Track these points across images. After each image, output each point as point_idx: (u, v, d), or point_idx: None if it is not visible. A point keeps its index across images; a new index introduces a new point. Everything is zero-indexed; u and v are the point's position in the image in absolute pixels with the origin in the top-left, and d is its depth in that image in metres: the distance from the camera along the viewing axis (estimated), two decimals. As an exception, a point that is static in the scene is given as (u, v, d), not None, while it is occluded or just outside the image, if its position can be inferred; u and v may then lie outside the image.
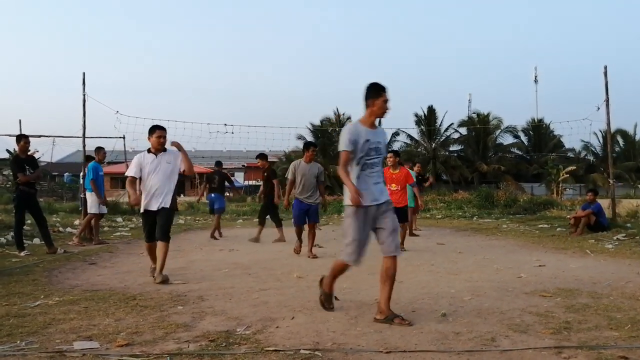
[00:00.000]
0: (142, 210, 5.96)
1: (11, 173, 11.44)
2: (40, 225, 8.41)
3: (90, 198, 9.77)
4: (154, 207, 5.89)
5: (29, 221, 9.55)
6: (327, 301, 4.40)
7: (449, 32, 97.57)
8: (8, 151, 28.74)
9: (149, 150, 6.03)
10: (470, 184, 36.92)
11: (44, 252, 8.24)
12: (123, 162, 20.18)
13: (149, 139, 6.04)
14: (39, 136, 15.29)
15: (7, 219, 11.58)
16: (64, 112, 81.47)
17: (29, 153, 8.56)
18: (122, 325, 3.97)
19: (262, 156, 10.64)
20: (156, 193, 5.87)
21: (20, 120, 24.19)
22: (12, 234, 9.00)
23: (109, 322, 4.06)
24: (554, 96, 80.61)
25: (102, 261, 7.67)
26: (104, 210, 9.99)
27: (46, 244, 8.39)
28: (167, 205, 5.89)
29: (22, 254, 7.99)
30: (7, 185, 23.86)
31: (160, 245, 5.84)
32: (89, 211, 9.90)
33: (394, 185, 8.43)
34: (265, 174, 10.52)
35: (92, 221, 9.83)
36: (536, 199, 20.99)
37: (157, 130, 6.02)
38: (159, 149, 6.00)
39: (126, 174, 6.04)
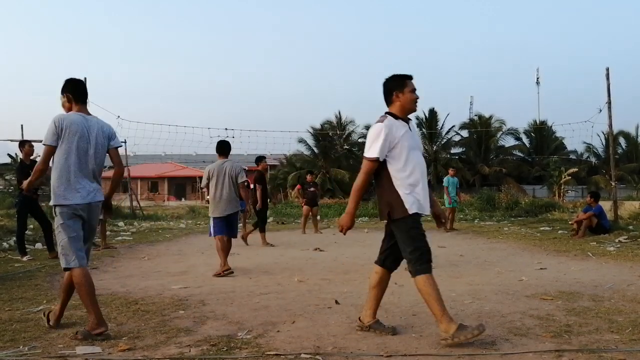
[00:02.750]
0: (411, 212, 3.57)
1: (14, 178, 11.45)
2: (45, 229, 8.44)
3: None
4: (427, 206, 3.71)
5: (31, 226, 9.57)
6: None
7: (450, 34, 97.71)
8: (10, 156, 28.83)
9: (394, 116, 3.63)
10: (472, 187, 36.89)
11: (46, 256, 8.26)
12: (124, 167, 20.26)
13: (394, 95, 3.66)
14: (40, 141, 15.30)
15: (10, 224, 11.61)
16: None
17: (31, 157, 8.58)
18: (124, 329, 3.98)
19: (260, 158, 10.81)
20: (424, 182, 3.68)
21: (22, 125, 24.24)
22: (14, 238, 9.03)
23: (111, 326, 4.06)
24: (555, 98, 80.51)
25: (103, 265, 7.69)
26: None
27: (48, 248, 8.42)
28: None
29: (25, 258, 8.02)
30: (9, 190, 23.87)
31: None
32: None
33: None
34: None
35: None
36: (538, 202, 20.97)
37: (408, 82, 3.68)
38: (414, 111, 3.75)
39: (370, 156, 3.55)
